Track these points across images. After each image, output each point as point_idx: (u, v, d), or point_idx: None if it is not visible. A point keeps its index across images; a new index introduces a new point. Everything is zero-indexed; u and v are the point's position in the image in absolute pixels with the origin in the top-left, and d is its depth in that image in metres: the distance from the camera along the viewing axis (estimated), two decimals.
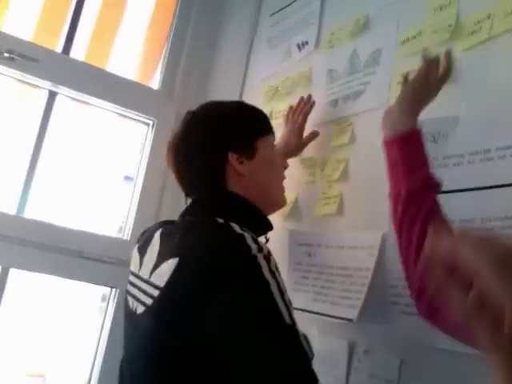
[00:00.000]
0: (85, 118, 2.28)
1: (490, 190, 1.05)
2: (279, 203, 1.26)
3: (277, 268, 0.91)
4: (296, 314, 1.39)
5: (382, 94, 1.39)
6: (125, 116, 2.28)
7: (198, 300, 0.86)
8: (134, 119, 2.28)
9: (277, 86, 1.87)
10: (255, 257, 0.86)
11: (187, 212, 1.11)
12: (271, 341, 0.81)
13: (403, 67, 1.34)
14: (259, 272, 0.85)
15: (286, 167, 1.29)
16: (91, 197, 2.33)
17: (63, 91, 2.10)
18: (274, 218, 1.63)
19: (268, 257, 0.89)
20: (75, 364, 2.02)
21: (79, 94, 2.13)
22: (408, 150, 1.02)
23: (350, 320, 1.22)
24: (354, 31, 1.56)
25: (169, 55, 2.34)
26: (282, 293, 0.87)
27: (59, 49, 2.12)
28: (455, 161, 1.14)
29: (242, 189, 1.11)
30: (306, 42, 1.78)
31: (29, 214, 1.94)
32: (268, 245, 1.60)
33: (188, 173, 1.14)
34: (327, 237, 1.42)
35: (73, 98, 2.14)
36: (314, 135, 1.56)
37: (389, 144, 1.06)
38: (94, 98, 2.16)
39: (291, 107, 1.64)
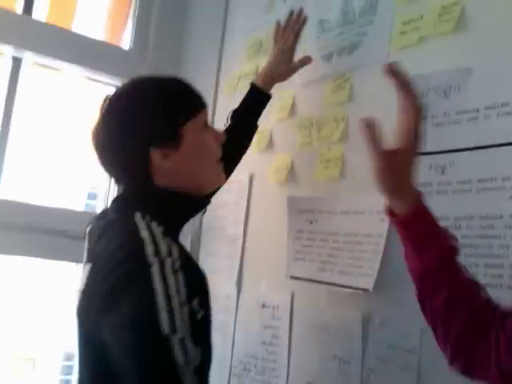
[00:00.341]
0: (53, 84, 2.12)
1: (510, 147, 0.98)
2: (214, 185, 1.16)
3: (182, 266, 0.87)
4: (300, 284, 1.36)
5: (381, 46, 1.29)
6: (96, 80, 2.13)
7: (97, 312, 0.90)
8: (106, 83, 2.13)
9: (261, 40, 1.74)
10: (149, 265, 0.85)
11: (112, 206, 1.07)
12: (141, 354, 0.82)
13: (405, 15, 1.24)
14: (148, 282, 0.83)
15: (222, 141, 1.13)
16: (66, 170, 2.20)
17: (27, 56, 1.93)
18: (268, 184, 1.56)
19: (166, 258, 0.86)
20: (64, 346, 1.95)
21: (45, 58, 1.97)
22: (412, 231, 0.85)
23: (365, 290, 1.16)
24: None
25: (138, 12, 2.18)
26: (170, 298, 0.83)
27: (19, 10, 1.93)
28: (469, 116, 1.06)
29: (169, 181, 1.03)
30: None
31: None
32: (264, 213, 1.56)
33: (110, 166, 1.05)
34: (330, 202, 1.34)
35: (39, 64, 1.98)
36: (306, 60, 1.45)
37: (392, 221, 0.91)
38: (61, 62, 2.00)
39: (279, 25, 1.51)
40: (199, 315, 0.87)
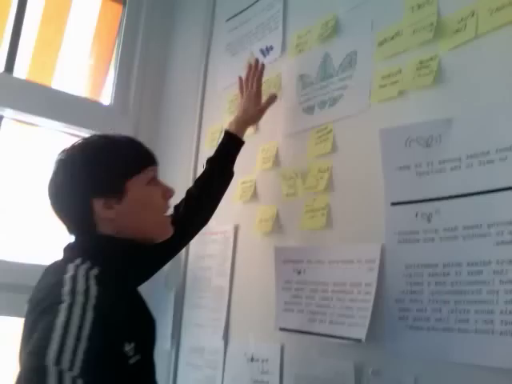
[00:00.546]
0: (34, 141, 2.12)
1: (492, 194, 1.01)
2: (159, 237, 1.16)
3: (96, 306, 0.89)
4: (290, 336, 1.35)
5: (362, 99, 1.33)
6: (77, 136, 2.13)
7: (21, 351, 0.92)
8: None
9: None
10: (60, 302, 0.88)
11: (62, 255, 1.09)
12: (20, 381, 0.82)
13: (383, 70, 1.29)
14: (53, 317, 0.85)
15: (170, 196, 1.17)
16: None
17: (8, 114, 1.94)
18: (253, 235, 1.56)
19: (78, 296, 0.90)
20: None
21: (26, 115, 1.97)
22: None
23: (357, 340, 1.15)
24: (323, 33, 1.50)
25: (119, 68, 2.22)
26: (67, 333, 0.83)
27: (0, 68, 1.95)
28: (452, 165, 1.09)
29: (113, 229, 1.07)
30: (271, 47, 1.71)
31: None
32: (250, 264, 1.55)
33: (58, 215, 1.10)
34: (317, 251, 1.35)
35: (20, 121, 1.98)
36: (272, 99, 1.56)
37: None
38: (42, 119, 2.01)
39: (240, 78, 1.64)
40: (133, 360, 0.93)
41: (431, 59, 1.18)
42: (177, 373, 1.78)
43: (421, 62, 1.20)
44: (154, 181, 1.13)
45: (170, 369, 1.79)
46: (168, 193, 1.16)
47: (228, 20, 1.98)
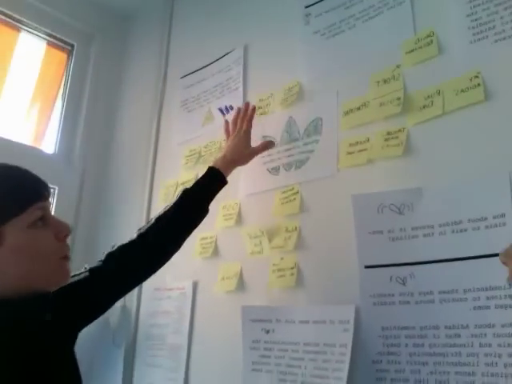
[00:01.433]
0: None
1: (467, 261, 1.09)
2: (52, 285, 1.01)
3: None
4: None
5: (330, 163, 1.40)
6: None
7: None
8: None
9: (199, 151, 1.80)
10: None
11: None
12: None
13: (350, 138, 1.37)
14: None
15: (66, 235, 1.00)
16: None
17: None
18: (214, 292, 1.56)
19: None
20: None
21: None
22: None
23: None
24: (287, 98, 1.57)
25: (64, 117, 2.17)
26: None
27: None
28: (425, 232, 1.17)
29: None
30: (231, 107, 1.75)
31: None
32: (211, 323, 1.53)
33: None
34: (287, 311, 1.37)
35: None
36: (270, 144, 1.53)
37: None
38: None
39: (226, 121, 1.60)
40: None
41: (399, 131, 1.27)
42: None
43: (388, 133, 1.29)
44: (42, 221, 0.95)
45: None
46: (61, 233, 0.98)
47: (183, 77, 2.01)
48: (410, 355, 1.12)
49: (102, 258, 1.21)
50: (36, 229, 0.94)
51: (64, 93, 2.19)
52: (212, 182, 1.40)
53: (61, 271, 1.00)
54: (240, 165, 1.50)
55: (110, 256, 1.21)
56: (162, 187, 1.90)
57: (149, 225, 1.28)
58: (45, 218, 0.96)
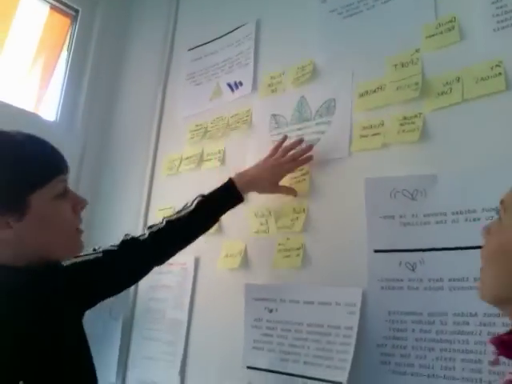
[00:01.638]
0: None
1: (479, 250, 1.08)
2: (66, 255, 1.08)
3: None
4: (259, 374, 1.35)
5: (342, 146, 1.38)
6: None
7: None
8: None
9: (206, 126, 1.78)
10: None
11: None
12: None
13: (364, 120, 1.36)
14: None
15: (82, 208, 1.05)
16: None
17: None
18: (216, 269, 1.55)
19: None
20: None
21: None
22: None
23: (338, 383, 1.18)
24: (299, 77, 1.55)
25: (67, 84, 2.12)
26: None
27: None
28: (437, 219, 1.16)
29: (10, 255, 0.96)
30: (240, 83, 1.73)
31: None
32: (212, 299, 1.53)
33: None
34: (291, 291, 1.37)
35: None
36: (292, 192, 1.43)
37: None
38: None
39: (281, 141, 1.46)
40: None
41: (415, 116, 1.26)
42: None
43: (405, 118, 1.28)
44: (64, 192, 1.00)
45: None
46: (79, 205, 1.04)
47: (190, 50, 1.97)
48: (417, 340, 1.13)
49: (117, 243, 1.26)
50: (59, 200, 0.99)
51: (67, 59, 2.15)
52: (228, 198, 1.39)
53: (75, 243, 1.05)
54: (257, 192, 1.45)
55: (125, 245, 1.27)
56: (166, 161, 1.88)
57: (161, 226, 1.32)
58: (65, 191, 1.01)
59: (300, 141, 1.45)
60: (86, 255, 1.19)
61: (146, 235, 1.30)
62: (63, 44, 2.18)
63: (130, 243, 1.28)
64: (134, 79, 2.15)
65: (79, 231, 1.06)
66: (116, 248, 1.25)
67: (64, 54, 2.16)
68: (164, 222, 1.33)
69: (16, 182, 0.94)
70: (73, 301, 1.08)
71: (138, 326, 1.76)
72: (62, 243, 1.02)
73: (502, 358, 0.78)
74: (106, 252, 1.22)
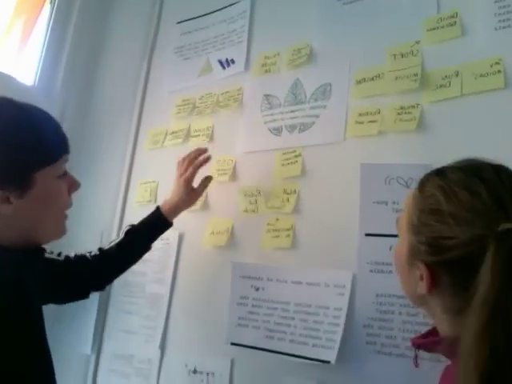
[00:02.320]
0: None
1: None
2: (51, 237, 1.05)
3: None
4: (243, 351, 1.37)
5: (337, 130, 1.41)
6: None
7: None
8: None
9: (194, 102, 1.77)
10: None
11: None
12: None
13: (361, 107, 1.38)
14: None
15: (76, 190, 1.07)
16: None
17: None
18: (201, 246, 1.56)
19: None
20: None
21: None
22: None
23: (326, 362, 1.22)
24: (294, 59, 1.55)
25: (46, 49, 2.04)
26: None
27: None
28: None
29: (1, 230, 0.95)
30: (232, 61, 1.72)
31: None
32: (196, 275, 1.54)
33: None
34: (279, 271, 1.39)
35: None
36: (207, 181, 1.51)
37: None
38: None
39: (182, 159, 1.53)
40: None
41: (413, 107, 1.29)
42: (96, 379, 1.69)
43: (402, 108, 1.31)
44: (64, 172, 1.02)
45: (89, 375, 1.70)
46: (74, 186, 1.06)
47: (180, 22, 1.94)
48: (403, 323, 1.17)
49: (75, 254, 1.37)
50: (61, 180, 1.00)
51: (48, 23, 2.07)
52: (156, 226, 1.48)
53: (61, 226, 1.06)
54: (186, 208, 1.51)
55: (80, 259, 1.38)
56: (150, 134, 1.86)
57: (96, 253, 1.41)
58: (65, 171, 1.02)
59: (196, 150, 1.53)
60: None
61: (89, 257, 1.40)
62: (42, 5, 2.10)
63: (83, 258, 1.38)
64: (119, 48, 2.10)
65: (65, 215, 1.06)
66: (73, 258, 1.35)
67: (45, 19, 2.08)
68: (97, 251, 1.42)
69: (27, 157, 0.92)
70: (41, 291, 1.09)
71: (115, 299, 1.75)
72: (52, 225, 1.02)
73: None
74: (68, 259, 1.34)
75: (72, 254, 1.36)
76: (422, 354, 1.11)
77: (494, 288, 0.60)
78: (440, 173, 0.79)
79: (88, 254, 1.39)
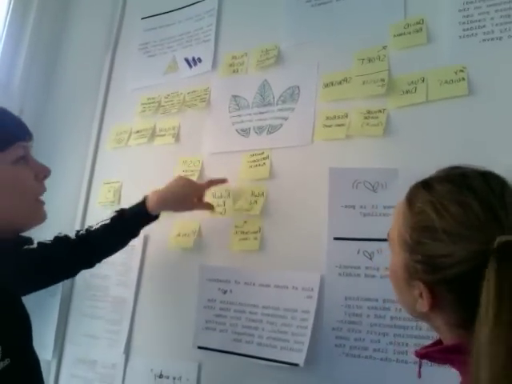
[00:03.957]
0: None
1: None
2: (28, 225, 1.02)
3: None
4: (210, 354, 1.36)
5: (304, 133, 1.41)
6: None
7: None
8: None
9: (159, 100, 1.74)
10: None
11: None
12: None
13: (328, 111, 1.39)
14: None
15: (45, 176, 1.04)
16: None
17: None
18: (169, 249, 1.54)
19: None
20: None
21: None
22: None
23: (295, 365, 1.22)
24: (262, 60, 1.55)
25: (4, 44, 1.97)
26: None
27: None
28: None
29: None
30: (199, 60, 1.70)
31: None
32: (161, 278, 1.52)
33: None
34: (247, 273, 1.39)
35: None
36: (210, 208, 1.50)
37: None
38: None
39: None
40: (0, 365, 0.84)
41: (379, 111, 1.31)
42: None
43: (369, 112, 1.32)
44: (24, 159, 0.98)
45: (49, 381, 1.65)
46: (42, 173, 1.03)
47: (144, 18, 1.91)
48: (371, 325, 1.19)
49: (50, 239, 1.31)
50: (19, 166, 0.98)
51: (6, 16, 1.99)
52: (143, 217, 1.40)
53: (37, 212, 1.04)
54: (174, 210, 1.47)
55: (57, 240, 1.32)
56: (113, 132, 1.82)
57: (83, 232, 1.36)
58: (26, 158, 1.00)
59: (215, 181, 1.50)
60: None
61: (74, 236, 1.34)
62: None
63: (62, 239, 1.32)
64: (80, 42, 2.04)
65: (41, 202, 1.04)
66: (49, 242, 1.30)
67: (2, 12, 2.00)
68: (84, 231, 1.37)
69: None
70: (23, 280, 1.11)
71: (77, 302, 1.70)
72: (24, 211, 0.99)
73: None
74: (41, 244, 1.27)
75: (50, 238, 1.31)
76: (396, 356, 1.13)
77: (501, 301, 0.59)
78: (427, 186, 0.78)
79: (74, 233, 1.35)
